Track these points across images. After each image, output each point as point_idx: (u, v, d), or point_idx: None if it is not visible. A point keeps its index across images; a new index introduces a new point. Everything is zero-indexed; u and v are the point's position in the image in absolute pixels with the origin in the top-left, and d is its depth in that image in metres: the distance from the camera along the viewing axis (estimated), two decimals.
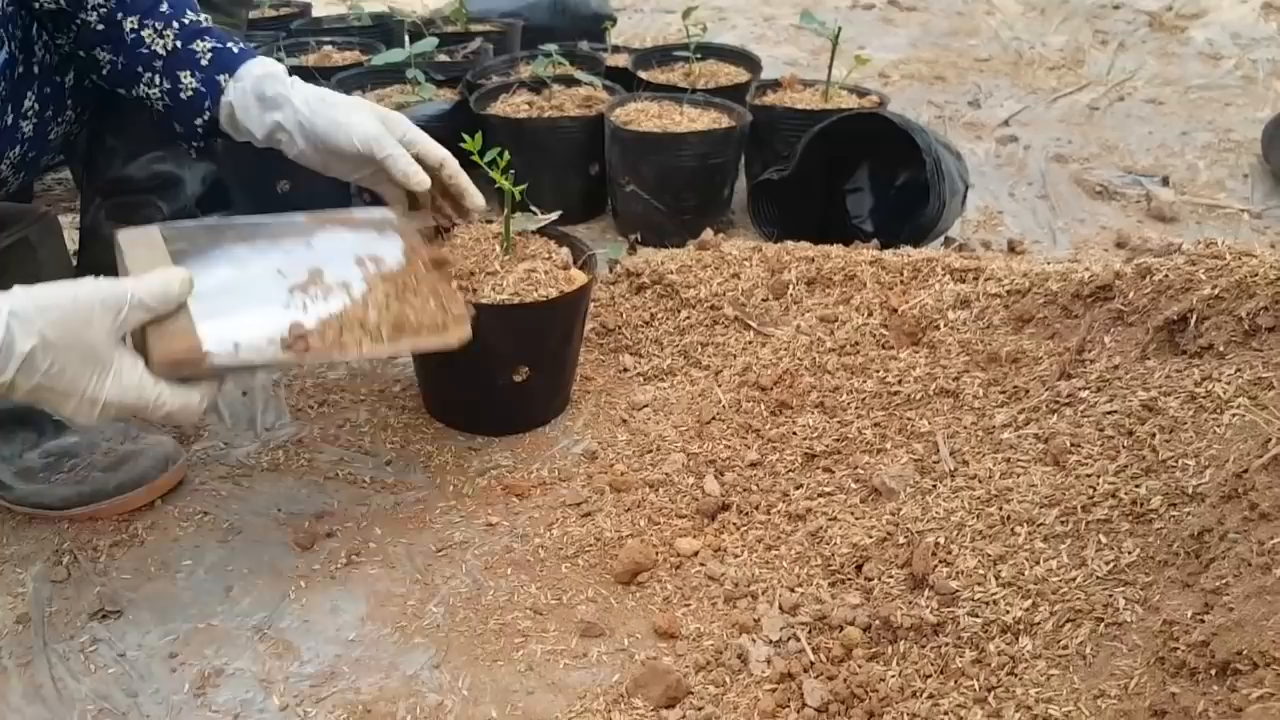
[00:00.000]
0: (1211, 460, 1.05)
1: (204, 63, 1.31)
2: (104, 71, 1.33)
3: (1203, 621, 0.89)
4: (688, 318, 1.71)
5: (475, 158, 1.39)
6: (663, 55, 2.49)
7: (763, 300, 1.68)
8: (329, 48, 2.57)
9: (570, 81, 2.27)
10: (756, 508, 1.35)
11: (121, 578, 1.27)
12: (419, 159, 1.34)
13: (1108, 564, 1.04)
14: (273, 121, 1.30)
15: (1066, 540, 1.08)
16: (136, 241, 1.16)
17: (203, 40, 1.32)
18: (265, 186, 2.10)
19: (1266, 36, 3.92)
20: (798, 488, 1.35)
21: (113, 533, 1.34)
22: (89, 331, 1.00)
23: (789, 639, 1.13)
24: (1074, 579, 1.04)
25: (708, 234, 1.85)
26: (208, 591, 1.25)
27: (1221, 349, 1.15)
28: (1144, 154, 2.74)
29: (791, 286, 1.68)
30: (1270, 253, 1.24)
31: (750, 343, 1.63)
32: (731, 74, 2.41)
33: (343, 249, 1.26)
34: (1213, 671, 0.85)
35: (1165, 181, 2.53)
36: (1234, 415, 1.07)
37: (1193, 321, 1.19)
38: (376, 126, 1.31)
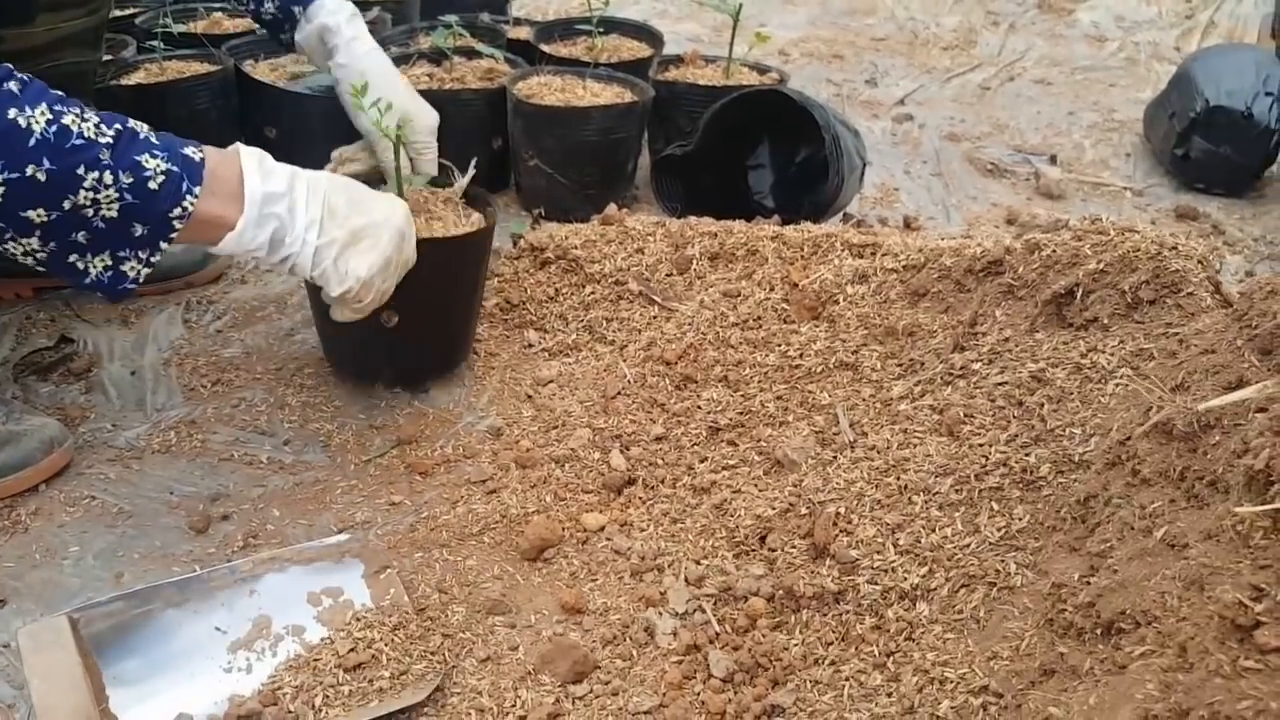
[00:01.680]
0: (1097, 429, 1.10)
1: None
2: None
3: (1089, 584, 0.93)
4: (592, 293, 1.71)
5: (357, 104, 1.43)
6: (565, 29, 2.47)
7: (667, 275, 1.69)
8: (219, 14, 2.47)
9: (471, 54, 2.23)
10: (662, 481, 1.35)
11: (4, 565, 1.22)
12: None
13: (999, 530, 1.08)
14: (327, 64, 1.63)
15: (961, 508, 1.11)
16: (42, 641, 1.05)
17: None
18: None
19: (1148, 20, 4.08)
20: (702, 461, 1.37)
21: None
22: None
23: (695, 611, 1.14)
24: (968, 545, 1.08)
25: (612, 209, 1.85)
26: (97, 578, 1.21)
27: (1106, 321, 1.20)
28: (1033, 133, 2.83)
29: (695, 262, 1.69)
30: (1151, 229, 1.30)
31: (655, 318, 1.64)
32: (634, 49, 2.40)
33: (293, 589, 1.16)
34: (1098, 631, 0.89)
35: (1053, 160, 2.61)
36: (1117, 385, 1.12)
37: (1079, 295, 1.24)
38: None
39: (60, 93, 1.06)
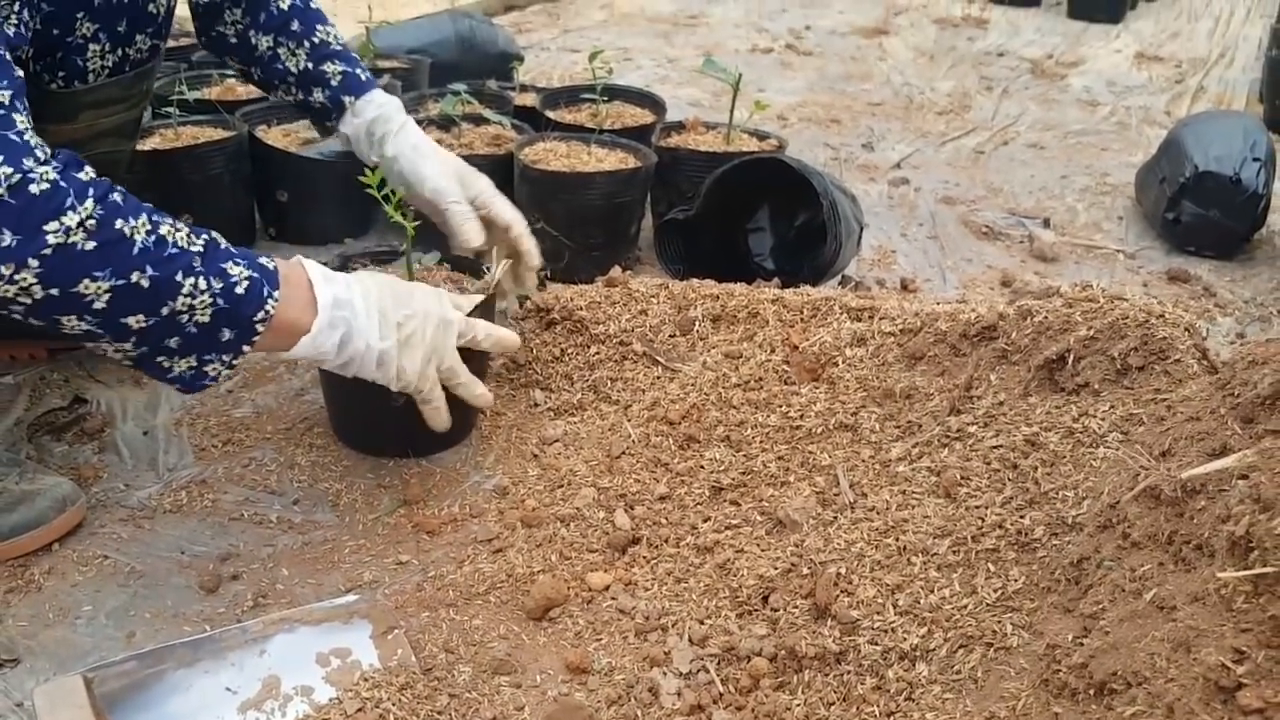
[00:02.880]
0: (1089, 492, 1.13)
1: (334, 83, 1.60)
2: (235, 70, 1.66)
3: (1082, 645, 0.96)
4: (597, 353, 1.74)
5: (372, 191, 1.44)
6: (570, 96, 2.54)
7: (670, 336, 1.73)
8: (233, 80, 2.54)
9: (479, 120, 2.29)
10: (666, 541, 1.38)
11: (18, 625, 1.24)
12: (489, 218, 1.57)
13: (996, 591, 1.10)
14: (375, 158, 1.60)
15: (958, 569, 1.14)
16: (57, 701, 1.06)
17: (333, 63, 1.60)
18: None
19: (1139, 85, 4.17)
20: (705, 520, 1.39)
21: (9, 578, 1.30)
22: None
23: (699, 671, 1.16)
24: (965, 606, 1.10)
25: (616, 271, 1.89)
26: (109, 637, 1.23)
27: (1096, 387, 1.24)
28: (1026, 196, 2.89)
29: (697, 323, 1.73)
30: (1139, 297, 1.34)
31: (658, 378, 1.67)
32: (637, 115, 2.46)
33: (302, 649, 1.18)
34: (1091, 691, 0.91)
35: (1046, 223, 2.67)
36: (1107, 450, 1.15)
37: (1070, 361, 1.27)
38: (448, 182, 1.55)
39: (150, 204, 1.12)
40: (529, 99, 2.58)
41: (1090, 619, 0.98)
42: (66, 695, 1.08)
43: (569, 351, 1.77)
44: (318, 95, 1.61)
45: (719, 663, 1.16)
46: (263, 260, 1.19)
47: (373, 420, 1.53)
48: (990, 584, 1.12)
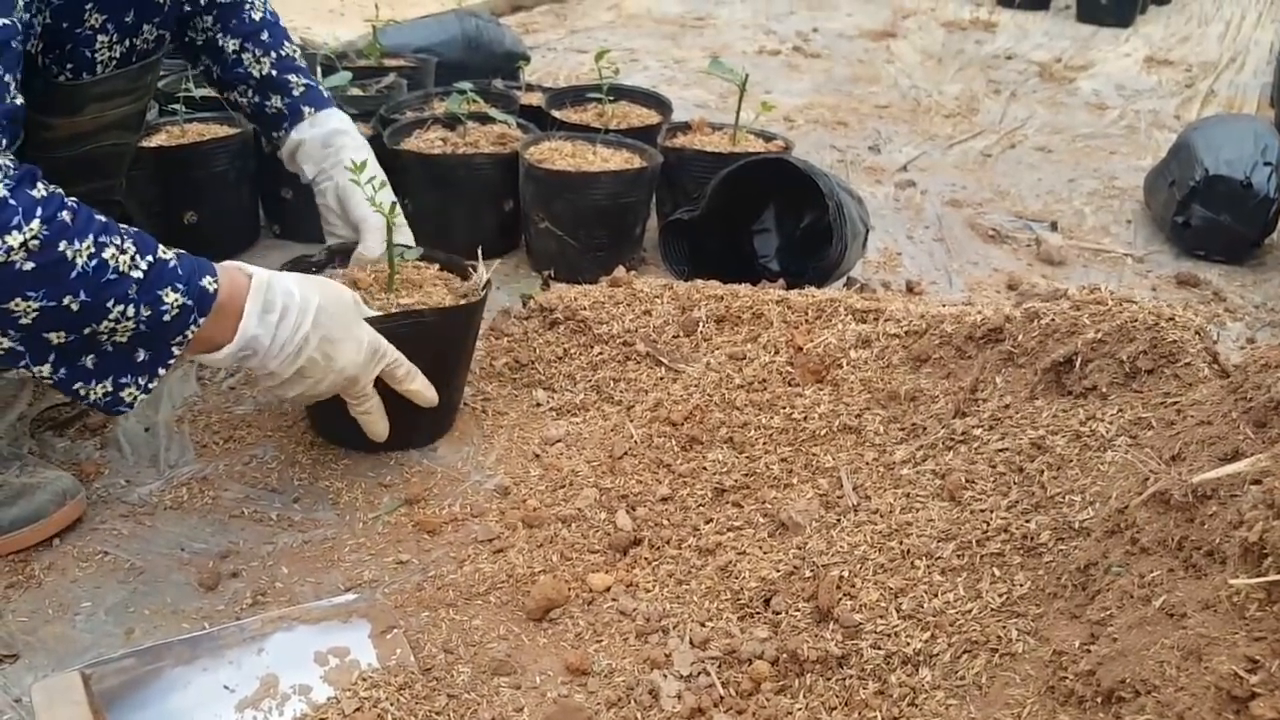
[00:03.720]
0: (1096, 496, 1.11)
1: (295, 93, 1.62)
2: (199, 70, 1.66)
3: (1089, 651, 0.95)
4: (600, 353, 1.73)
5: (354, 179, 1.51)
6: (576, 95, 2.53)
7: (674, 337, 1.72)
8: None
9: (484, 119, 2.28)
10: (668, 542, 1.37)
11: (18, 620, 1.23)
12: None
13: (1001, 596, 1.09)
14: (325, 169, 1.62)
15: (963, 574, 1.13)
16: (55, 697, 1.05)
17: (296, 76, 1.63)
18: (171, 218, 2.08)
19: (1148, 88, 4.15)
20: (708, 522, 1.38)
21: (9, 574, 1.29)
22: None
23: (699, 674, 1.15)
24: (970, 611, 1.09)
25: (620, 271, 1.88)
26: (108, 634, 1.22)
27: (1104, 390, 1.22)
28: (1034, 199, 2.87)
29: (701, 324, 1.72)
30: (1148, 299, 1.33)
31: (661, 379, 1.66)
32: (643, 115, 2.45)
33: (300, 648, 1.17)
34: (1099, 699, 0.90)
35: (1054, 226, 2.65)
36: (1116, 454, 1.14)
37: (1077, 364, 1.26)
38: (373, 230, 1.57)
39: (103, 218, 1.12)
40: (535, 98, 2.57)
41: (1098, 625, 0.96)
42: (64, 692, 1.07)
43: (572, 351, 1.76)
44: (275, 101, 1.62)
45: (720, 665, 1.15)
46: (204, 283, 1.18)
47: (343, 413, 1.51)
48: (995, 589, 1.10)
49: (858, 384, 1.52)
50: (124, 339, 1.15)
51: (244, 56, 1.59)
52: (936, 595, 1.12)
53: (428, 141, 2.20)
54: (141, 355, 1.18)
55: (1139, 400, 1.19)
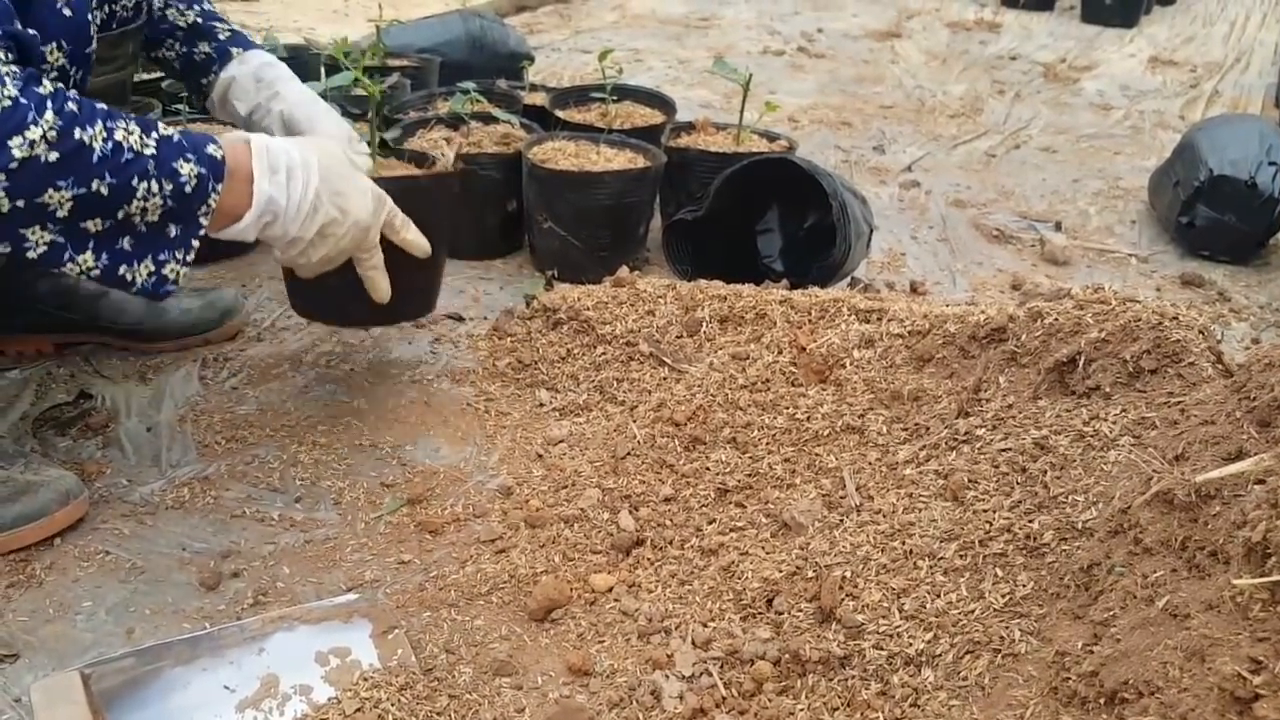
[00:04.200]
0: (1099, 496, 1.11)
1: (221, 37, 1.65)
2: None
3: (1092, 652, 0.94)
4: (603, 354, 1.73)
5: (339, 56, 1.61)
6: (580, 95, 2.52)
7: (677, 337, 1.72)
8: None
9: (488, 119, 2.28)
10: (670, 543, 1.36)
11: (18, 620, 1.23)
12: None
13: (1004, 597, 1.09)
14: (261, 103, 1.60)
15: (965, 574, 1.12)
16: (54, 697, 1.05)
17: (221, 23, 1.67)
18: None
19: (1152, 89, 4.15)
20: (710, 523, 1.38)
21: (10, 573, 1.29)
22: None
23: (701, 674, 1.14)
24: (972, 611, 1.09)
25: (623, 271, 1.88)
26: (109, 633, 1.22)
27: (1108, 390, 1.22)
28: (1038, 200, 2.87)
29: (705, 324, 1.72)
30: (1152, 299, 1.32)
31: (665, 379, 1.66)
32: (647, 116, 2.45)
33: (301, 648, 1.17)
34: (1102, 700, 0.89)
35: (1058, 227, 2.65)
36: (1119, 454, 1.14)
37: (1081, 363, 1.26)
38: (339, 128, 1.57)
39: (102, 105, 1.16)
40: (539, 98, 2.56)
41: (1101, 626, 0.96)
42: (64, 691, 1.07)
43: (575, 351, 1.76)
44: (203, 46, 1.65)
45: (722, 666, 1.15)
46: (210, 150, 1.22)
47: (331, 288, 1.52)
48: (998, 589, 1.10)
49: (861, 384, 1.51)
50: (155, 217, 1.18)
51: (169, 13, 1.63)
52: (939, 596, 1.11)
53: (431, 141, 2.19)
54: (173, 231, 1.21)
55: (1142, 400, 1.18)
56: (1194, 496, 0.92)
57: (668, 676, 1.14)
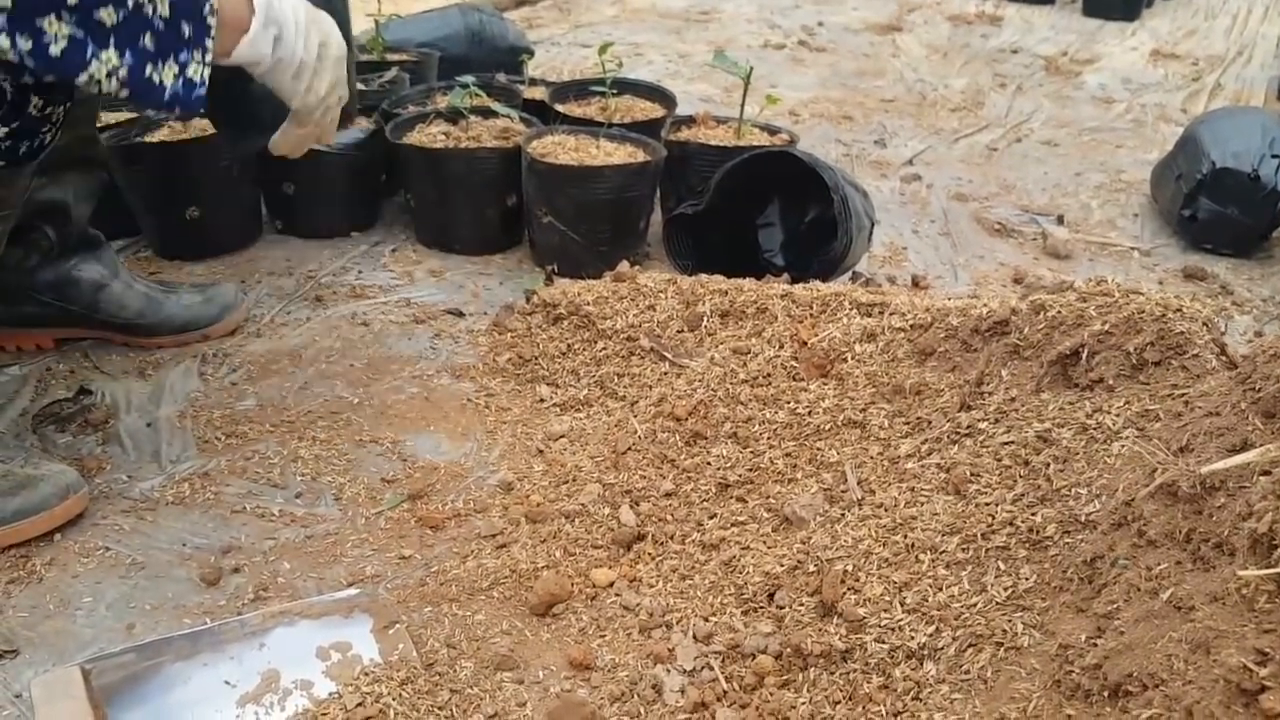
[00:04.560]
0: (1102, 489, 1.10)
1: None
2: None
3: (1095, 645, 0.94)
4: (604, 349, 1.73)
5: None
6: (580, 89, 2.52)
7: (678, 332, 1.71)
8: None
9: (487, 113, 2.28)
10: (671, 537, 1.36)
11: (18, 615, 1.23)
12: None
13: (1006, 590, 1.08)
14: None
15: (968, 567, 1.12)
16: (54, 692, 1.05)
17: None
18: (173, 214, 2.07)
19: (1154, 82, 4.13)
20: (712, 517, 1.37)
21: (9, 569, 1.29)
22: None
23: (703, 668, 1.14)
24: (975, 605, 1.08)
25: (624, 266, 1.87)
26: (109, 629, 1.22)
27: (1111, 382, 1.21)
28: (1040, 193, 2.86)
29: (705, 319, 1.71)
30: (1156, 291, 1.31)
31: (665, 374, 1.66)
32: (647, 109, 2.44)
33: (302, 643, 1.17)
34: (1105, 693, 0.89)
35: (1060, 220, 2.64)
36: (1122, 446, 1.13)
37: (1084, 356, 1.25)
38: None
39: None
40: (538, 92, 2.56)
41: (1104, 619, 0.95)
42: (64, 687, 1.07)
43: (575, 347, 1.75)
44: None
45: (723, 660, 1.14)
46: None
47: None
48: (1000, 582, 1.09)
49: (862, 378, 1.51)
50: (165, 10, 1.17)
51: None
52: (941, 589, 1.11)
53: (430, 136, 2.19)
54: (186, 30, 1.20)
55: (1146, 392, 1.18)
56: (1198, 488, 0.92)
57: (669, 670, 1.14)
